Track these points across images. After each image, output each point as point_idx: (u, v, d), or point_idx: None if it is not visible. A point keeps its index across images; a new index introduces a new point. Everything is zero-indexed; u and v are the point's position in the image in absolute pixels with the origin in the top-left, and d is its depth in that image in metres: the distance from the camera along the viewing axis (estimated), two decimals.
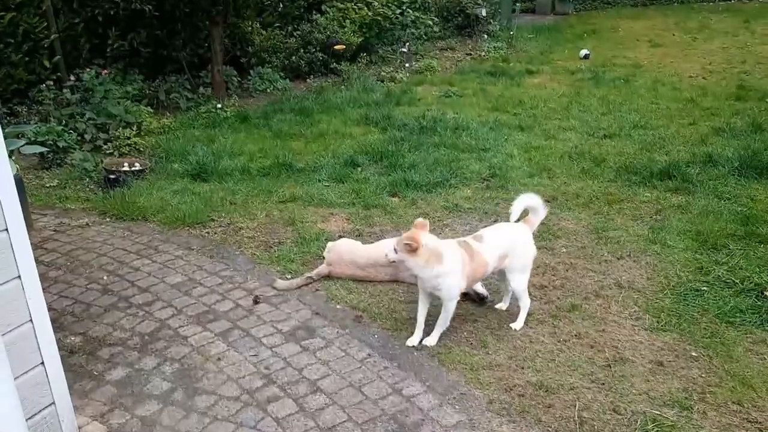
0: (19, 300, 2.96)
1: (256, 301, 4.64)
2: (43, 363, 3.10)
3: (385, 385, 3.71)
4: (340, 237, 5.52)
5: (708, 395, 3.53)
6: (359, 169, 7.43)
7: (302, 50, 12.58)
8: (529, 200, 4.37)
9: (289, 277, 5.00)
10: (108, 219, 6.17)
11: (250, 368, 3.91)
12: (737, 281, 4.68)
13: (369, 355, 3.99)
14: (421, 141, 8.26)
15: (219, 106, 10.03)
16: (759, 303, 4.39)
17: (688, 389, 3.58)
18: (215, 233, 5.80)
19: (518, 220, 4.32)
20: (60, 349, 3.21)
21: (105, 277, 5.05)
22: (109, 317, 4.50)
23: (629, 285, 4.75)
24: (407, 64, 12.96)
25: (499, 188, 6.77)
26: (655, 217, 6.02)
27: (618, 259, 5.18)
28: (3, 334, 2.89)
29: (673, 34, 14.54)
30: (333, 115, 9.87)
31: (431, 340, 4.08)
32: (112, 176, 6.98)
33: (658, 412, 3.39)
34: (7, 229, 2.87)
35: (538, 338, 4.11)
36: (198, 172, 7.31)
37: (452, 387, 3.66)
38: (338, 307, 4.56)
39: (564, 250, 5.36)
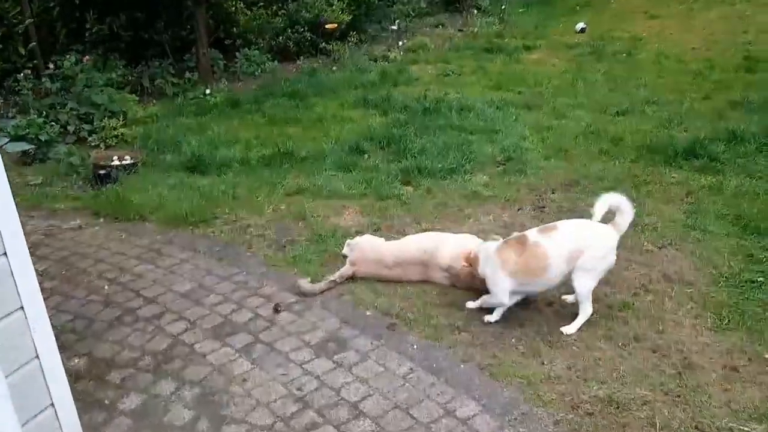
0: (24, 335, 2.53)
1: (277, 310, 4.22)
2: (53, 404, 2.68)
3: (434, 405, 3.33)
4: (358, 233, 5.11)
5: None
6: (366, 156, 7.00)
7: (290, 30, 12.04)
8: (612, 200, 3.93)
9: (309, 280, 4.57)
10: (102, 220, 5.70)
11: (280, 390, 3.51)
12: None
13: (411, 369, 3.60)
14: (426, 124, 7.83)
15: (207, 91, 9.53)
16: None
17: None
18: (221, 232, 5.35)
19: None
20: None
21: (106, 287, 4.60)
22: (115, 334, 4.06)
23: (678, 278, 4.41)
24: (400, 42, 12.46)
25: (517, 172, 6.38)
26: (686, 199, 5.68)
27: (659, 248, 4.83)
28: (6, 376, 2.46)
29: (669, 5, 14.15)
30: (328, 98, 9.41)
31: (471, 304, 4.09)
32: (101, 172, 6.49)
33: (746, 429, 3.05)
34: (6, 253, 2.43)
35: (595, 343, 3.74)
36: (194, 164, 6.84)
37: (511, 405, 3.29)
38: (368, 313, 4.16)
39: None
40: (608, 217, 3.92)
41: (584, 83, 9.34)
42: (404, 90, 9.59)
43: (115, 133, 7.71)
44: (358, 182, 6.25)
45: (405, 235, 5.12)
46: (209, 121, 8.53)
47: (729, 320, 3.90)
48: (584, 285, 3.80)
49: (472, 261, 4.07)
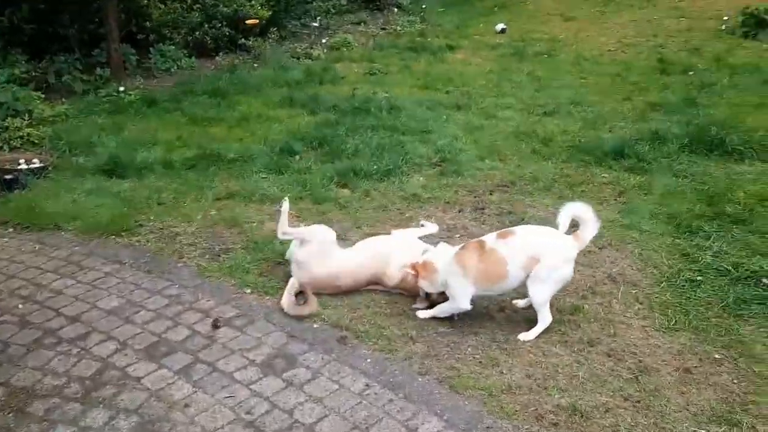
0: None
1: (216, 326, 3.94)
2: None
3: (395, 423, 3.16)
4: None
5: (750, 405, 3.23)
6: (297, 157, 6.75)
7: (207, 25, 11.54)
8: (576, 210, 3.87)
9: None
10: (11, 230, 5.21)
11: (227, 414, 3.25)
12: (729, 268, 4.45)
13: (367, 385, 3.43)
14: (356, 124, 7.65)
15: (121, 89, 8.98)
16: (760, 292, 4.17)
17: (727, 400, 3.27)
18: (147, 241, 4.99)
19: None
20: None
21: (20, 306, 4.18)
22: (35, 359, 3.67)
23: (623, 279, 4.43)
24: (323, 40, 12.21)
25: (453, 174, 6.30)
26: (619, 199, 5.78)
27: (600, 249, 4.85)
28: None
29: (582, 8, 14.57)
30: (252, 96, 9.07)
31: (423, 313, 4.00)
32: (7, 176, 5.96)
33: None
34: None
35: (551, 349, 3.68)
36: (111, 167, 6.38)
37: (474, 419, 3.17)
38: (315, 326, 3.95)
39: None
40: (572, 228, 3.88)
41: (510, 84, 9.42)
42: (331, 89, 9.37)
43: (20, 133, 7.10)
44: (292, 185, 6.01)
45: (348, 240, 4.94)
46: (125, 121, 8.03)
47: (675, 321, 3.93)
48: (538, 294, 3.74)
49: (420, 269, 3.93)
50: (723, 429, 3.08)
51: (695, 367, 3.52)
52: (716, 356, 3.60)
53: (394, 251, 4.30)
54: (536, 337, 3.78)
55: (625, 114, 7.98)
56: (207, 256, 4.76)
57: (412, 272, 3.98)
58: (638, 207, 5.53)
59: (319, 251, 4.33)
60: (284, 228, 4.34)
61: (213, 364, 3.60)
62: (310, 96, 8.82)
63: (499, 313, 4.07)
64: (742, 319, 3.94)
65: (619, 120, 7.78)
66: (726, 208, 5.41)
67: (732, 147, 6.53)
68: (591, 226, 3.80)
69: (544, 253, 3.70)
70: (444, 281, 3.84)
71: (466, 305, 3.81)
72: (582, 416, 3.16)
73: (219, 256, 4.78)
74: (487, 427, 3.11)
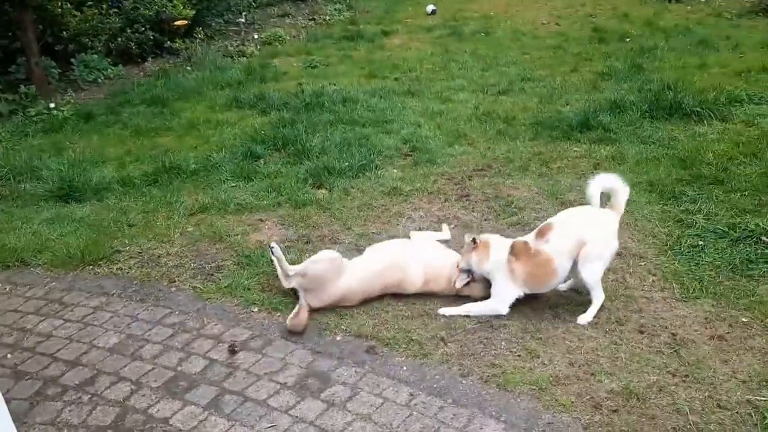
0: None
1: (233, 351, 3.70)
2: None
3: (452, 431, 3.04)
4: (289, 248, 4.68)
5: None
6: (262, 161, 6.48)
7: (129, 30, 10.97)
8: (604, 182, 3.85)
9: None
10: None
11: None
12: (726, 229, 4.55)
13: (411, 395, 3.29)
14: (313, 120, 7.43)
15: (52, 105, 8.41)
16: (762, 250, 4.28)
17: None
18: (130, 268, 4.65)
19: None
20: None
21: (9, 356, 3.80)
22: (42, 413, 3.34)
23: (627, 252, 4.45)
24: (254, 35, 11.82)
25: (427, 163, 6.20)
26: (596, 171, 5.77)
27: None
28: None
29: None
30: (194, 100, 8.69)
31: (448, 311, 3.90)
32: None
33: (763, 398, 3.08)
34: None
35: (584, 333, 3.65)
36: (66, 191, 5.94)
37: (533, 417, 3.08)
38: (338, 338, 3.77)
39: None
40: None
41: (456, 65, 9.38)
42: (275, 86, 9.08)
43: None
44: (266, 191, 5.75)
45: (341, 243, 4.78)
46: (63, 139, 7.52)
47: (693, 289, 3.97)
48: (591, 274, 3.71)
49: (481, 245, 3.86)
50: None
51: (727, 333, 3.56)
52: (744, 320, 3.65)
53: (412, 256, 4.16)
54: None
55: (578, 86, 8.08)
56: (199, 277, 4.48)
57: (472, 244, 3.89)
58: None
59: (329, 271, 4.07)
60: (289, 271, 4.09)
61: (242, 393, 3.38)
62: (256, 95, 8.51)
63: (521, 303, 3.98)
64: (754, 279, 4.02)
65: (573, 93, 7.86)
66: (701, 170, 5.54)
67: (690, 109, 6.71)
68: (622, 193, 3.80)
69: (589, 235, 3.67)
70: (490, 273, 3.80)
71: (504, 310, 3.79)
72: (638, 399, 3.13)
73: (212, 275, 4.50)
74: (548, 423, 3.04)
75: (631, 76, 8.09)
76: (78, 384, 3.52)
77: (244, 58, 10.74)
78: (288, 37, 11.90)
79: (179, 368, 3.60)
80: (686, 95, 6.91)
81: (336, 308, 4.01)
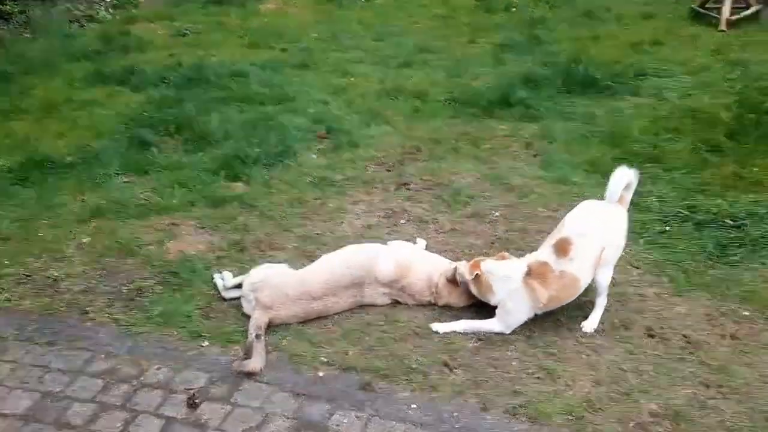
0: None
1: (192, 404, 2.95)
2: None
3: None
4: (220, 259, 3.94)
5: None
6: (155, 149, 5.51)
7: None
8: (627, 176, 3.44)
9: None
10: None
11: None
12: (686, 212, 4.43)
13: None
14: (202, 98, 6.51)
15: None
16: (730, 233, 4.18)
17: None
18: (20, 298, 3.67)
19: None
20: None
21: None
22: None
23: None
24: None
25: (348, 146, 5.60)
26: (529, 152, 5.56)
27: (554, 212, 4.55)
28: None
29: None
30: (45, 75, 7.38)
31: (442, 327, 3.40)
32: None
33: None
34: None
35: (594, 343, 3.31)
36: None
37: None
38: (321, 374, 3.13)
39: (496, 213, 4.57)
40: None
41: (346, 35, 8.70)
42: (143, 57, 7.91)
43: None
44: (170, 186, 4.88)
45: (282, 249, 4.10)
46: None
47: (681, 281, 3.78)
48: (605, 278, 3.38)
49: (477, 281, 3.35)
50: None
51: (737, 330, 3.38)
52: (745, 314, 3.50)
53: (378, 250, 3.62)
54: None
55: (480, 59, 7.77)
56: (118, 304, 3.61)
57: (471, 275, 3.40)
58: (553, 158, 5.35)
59: (276, 271, 3.56)
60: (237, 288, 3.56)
61: None
62: (125, 68, 7.36)
63: None
64: (733, 266, 3.91)
65: (477, 66, 7.54)
66: (633, 147, 5.44)
67: (602, 84, 6.63)
68: (633, 186, 3.50)
69: (608, 240, 3.32)
70: (501, 303, 3.31)
71: (509, 330, 3.33)
72: (685, 420, 2.83)
73: (133, 300, 3.64)
74: None
75: (531, 48, 7.91)
76: None
77: (96, 23, 9.33)
78: (142, 0, 10.52)
79: None
80: (596, 70, 6.81)
81: (306, 335, 3.35)
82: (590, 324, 3.40)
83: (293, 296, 3.40)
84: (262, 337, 3.23)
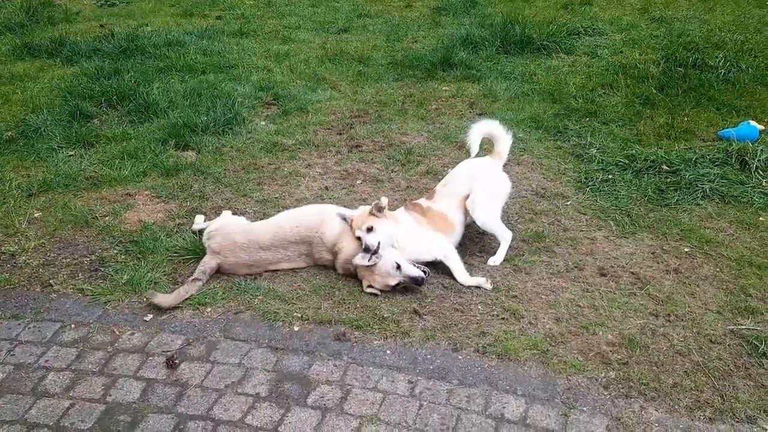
0: None
1: (172, 364, 2.99)
2: None
3: (477, 417, 2.73)
4: (180, 226, 3.98)
5: (750, 289, 3.42)
6: (96, 120, 5.43)
7: None
8: (485, 128, 3.90)
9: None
10: None
11: None
12: (625, 161, 4.68)
13: (411, 382, 2.90)
14: (141, 68, 6.40)
15: None
16: (666, 178, 4.46)
17: (729, 290, 3.43)
18: None
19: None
20: None
21: None
22: None
23: (548, 192, 4.41)
24: None
25: (297, 111, 5.64)
26: (473, 111, 5.71)
27: (505, 166, 4.72)
28: None
29: None
30: None
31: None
32: None
33: (744, 326, 3.18)
34: None
35: (551, 283, 3.50)
36: None
37: (549, 384, 2.87)
38: (296, 328, 3.22)
39: (448, 170, 4.68)
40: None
41: (281, 1, 8.64)
42: (71, 28, 7.71)
43: None
44: (120, 158, 4.82)
45: (243, 213, 4.13)
46: None
47: (626, 224, 4.02)
48: (484, 215, 3.67)
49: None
50: (749, 320, 3.22)
51: (679, 265, 3.63)
52: (686, 250, 3.76)
53: (329, 212, 3.71)
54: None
55: (418, 22, 7.89)
56: (81, 275, 3.58)
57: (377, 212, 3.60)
58: (497, 116, 5.49)
59: (233, 220, 3.84)
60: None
61: (209, 417, 2.73)
62: (53, 40, 7.12)
63: (473, 265, 3.71)
64: (672, 207, 4.18)
65: (416, 29, 7.65)
66: (571, 102, 5.68)
67: (538, 44, 6.83)
68: (504, 140, 3.88)
69: (471, 186, 3.71)
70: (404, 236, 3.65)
71: (443, 254, 3.62)
72: (639, 347, 3.06)
73: (98, 270, 3.62)
74: (568, 389, 2.85)
75: (467, 10, 8.07)
76: None
77: None
78: None
79: (109, 398, 2.82)
80: (531, 30, 7.00)
81: (277, 292, 3.43)
82: (495, 259, 3.70)
83: (241, 243, 3.50)
84: (198, 282, 3.39)
